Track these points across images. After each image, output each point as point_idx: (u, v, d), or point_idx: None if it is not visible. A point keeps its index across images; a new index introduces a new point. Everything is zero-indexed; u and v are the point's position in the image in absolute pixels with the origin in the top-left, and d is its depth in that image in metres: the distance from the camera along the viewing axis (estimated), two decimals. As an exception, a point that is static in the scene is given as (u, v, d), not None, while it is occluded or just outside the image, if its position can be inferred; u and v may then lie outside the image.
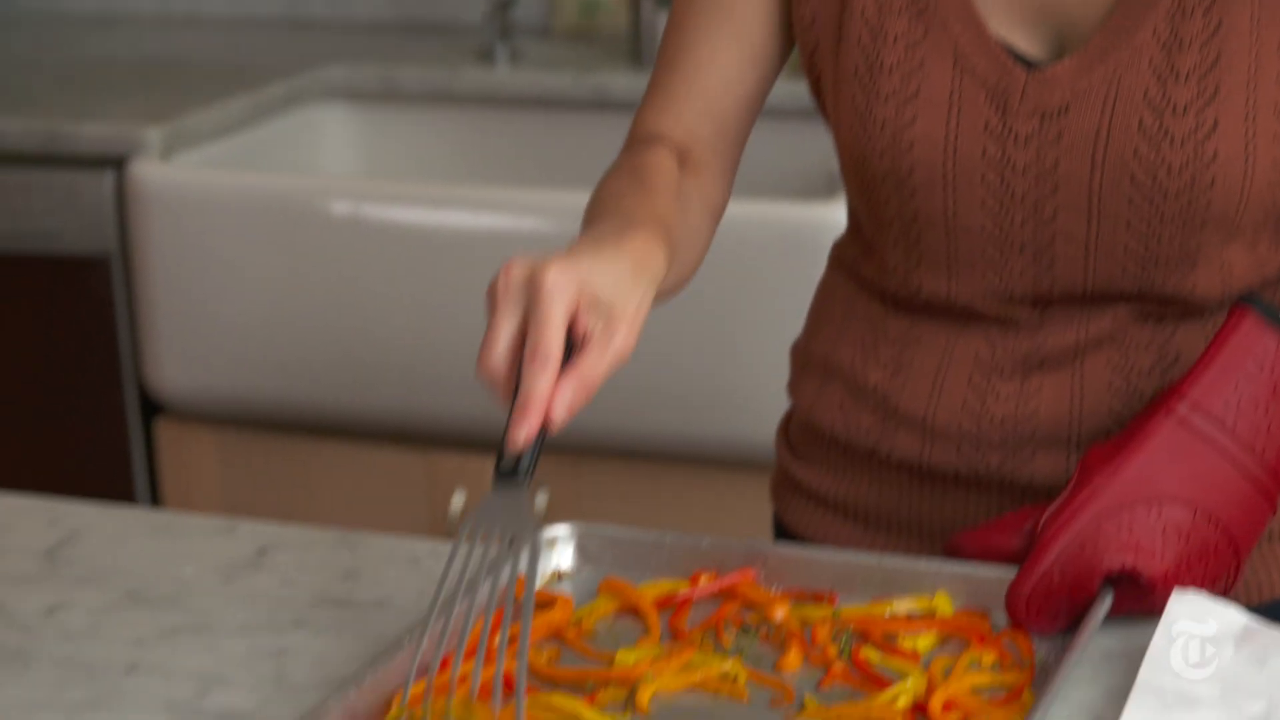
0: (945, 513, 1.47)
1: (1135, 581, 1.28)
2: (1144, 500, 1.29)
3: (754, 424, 2.41)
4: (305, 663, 1.32)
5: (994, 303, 1.42)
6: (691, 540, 1.40)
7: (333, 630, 1.37)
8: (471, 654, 1.23)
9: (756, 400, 2.44)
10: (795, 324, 1.61)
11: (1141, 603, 1.29)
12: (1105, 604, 1.27)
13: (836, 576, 1.35)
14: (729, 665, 1.25)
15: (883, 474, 1.49)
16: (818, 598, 1.34)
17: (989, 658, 1.26)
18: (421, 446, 2.72)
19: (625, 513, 2.59)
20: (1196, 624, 1.23)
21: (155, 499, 2.88)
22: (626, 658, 1.26)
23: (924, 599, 1.33)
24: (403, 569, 1.46)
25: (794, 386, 1.57)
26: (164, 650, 1.35)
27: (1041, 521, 1.31)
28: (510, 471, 1.22)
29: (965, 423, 1.44)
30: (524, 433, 1.20)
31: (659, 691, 1.24)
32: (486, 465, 2.70)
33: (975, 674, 1.23)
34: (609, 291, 1.23)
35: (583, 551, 1.42)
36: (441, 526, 2.67)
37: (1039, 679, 1.24)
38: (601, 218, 1.35)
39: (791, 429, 1.59)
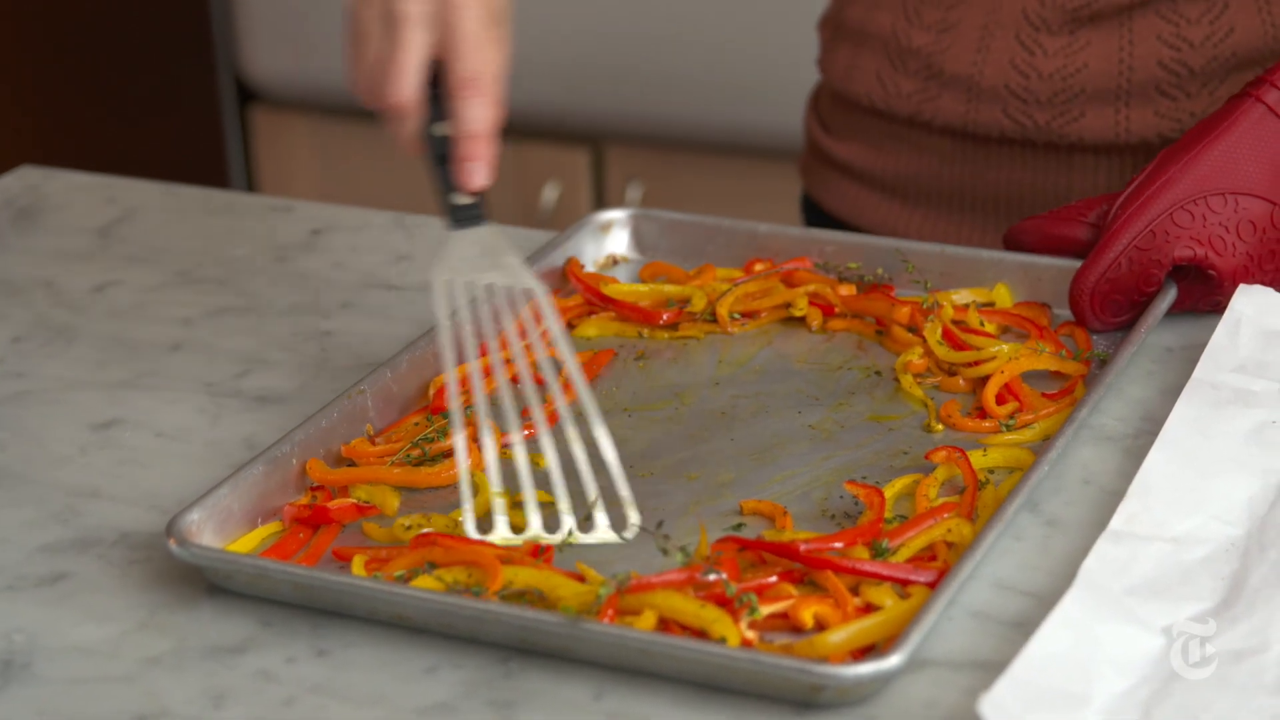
0: (988, 178, 1.44)
1: (1202, 276, 1.23)
2: (1220, 191, 1.23)
3: (780, 108, 2.36)
4: (349, 345, 1.30)
5: None
6: (747, 226, 1.36)
7: (380, 313, 1.34)
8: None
9: (783, 83, 2.40)
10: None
11: (1206, 300, 1.24)
12: (1169, 296, 1.22)
13: (892, 265, 1.31)
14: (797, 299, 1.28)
15: (923, 141, 1.46)
16: (873, 289, 1.30)
17: (1047, 350, 1.21)
18: (513, 139, 2.68)
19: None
20: (1261, 318, 1.18)
21: (251, 187, 2.87)
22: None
23: (983, 290, 1.29)
24: (456, 253, 1.43)
25: (825, 59, 1.54)
26: (209, 330, 1.33)
27: (1113, 209, 1.26)
28: (475, 214, 1.13)
29: (1013, 80, 1.41)
30: (484, 170, 1.12)
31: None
32: (579, 158, 2.67)
33: (1034, 356, 1.19)
34: None
35: (638, 238, 1.39)
36: (532, 219, 2.64)
37: (1095, 375, 1.20)
38: None
39: (821, 103, 1.56)
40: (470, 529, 1.06)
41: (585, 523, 1.06)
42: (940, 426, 1.15)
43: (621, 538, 1.06)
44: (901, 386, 1.20)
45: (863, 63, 1.48)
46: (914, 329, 1.24)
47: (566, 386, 1.11)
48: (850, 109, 1.50)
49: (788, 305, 1.28)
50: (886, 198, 1.49)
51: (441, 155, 1.12)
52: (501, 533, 1.06)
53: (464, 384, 1.15)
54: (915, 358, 1.21)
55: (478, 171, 1.12)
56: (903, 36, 1.45)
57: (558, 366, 1.11)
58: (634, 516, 1.06)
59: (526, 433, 1.11)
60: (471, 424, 1.15)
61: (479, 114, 1.11)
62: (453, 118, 1.11)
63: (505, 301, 1.11)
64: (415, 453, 1.14)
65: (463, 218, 1.13)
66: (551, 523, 1.07)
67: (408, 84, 1.10)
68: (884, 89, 1.46)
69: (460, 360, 1.11)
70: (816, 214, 1.56)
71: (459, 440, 1.08)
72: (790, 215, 1.67)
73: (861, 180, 1.50)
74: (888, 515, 1.06)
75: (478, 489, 1.08)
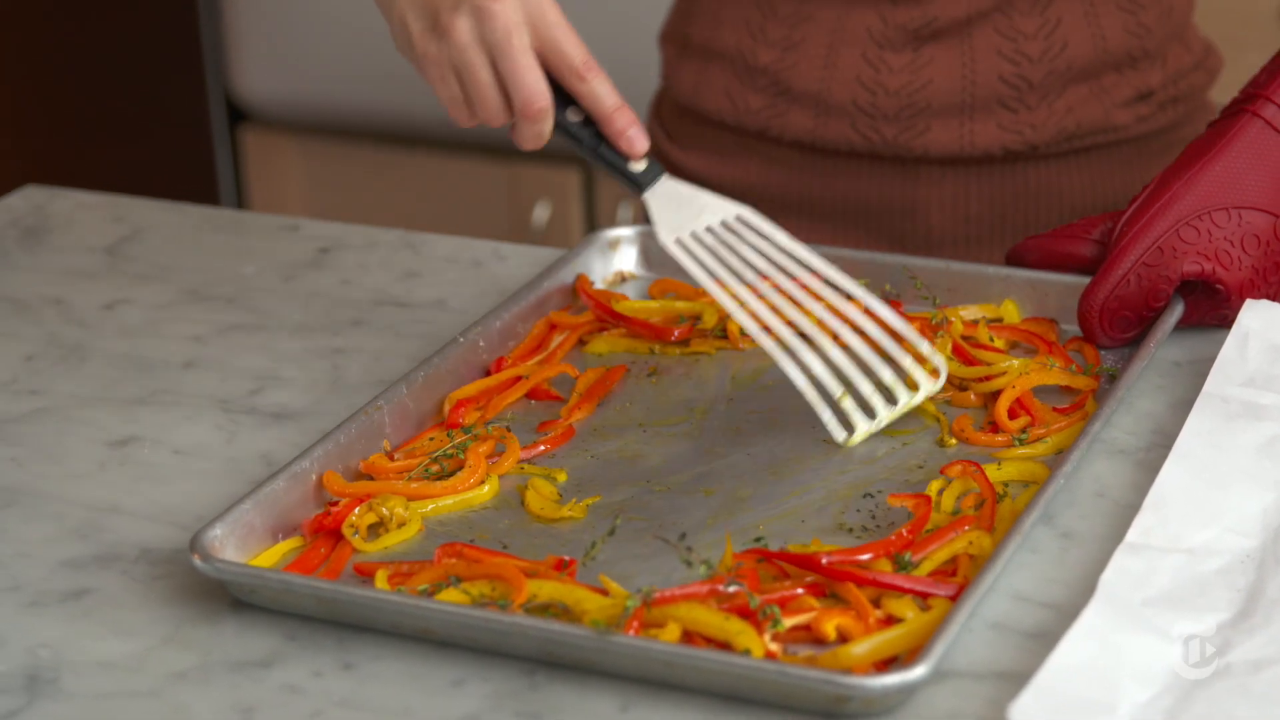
0: (836, 188, 1.49)
1: (1208, 290, 1.24)
2: (1223, 206, 1.25)
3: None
4: (361, 362, 1.31)
5: None
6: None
7: (390, 330, 1.35)
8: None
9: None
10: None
11: (1212, 314, 1.25)
12: (1176, 311, 1.24)
13: (900, 282, 1.32)
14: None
15: (773, 153, 1.50)
16: (882, 304, 1.31)
17: (1057, 365, 1.23)
18: (505, 158, 2.70)
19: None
20: (1268, 332, 1.20)
21: (241, 207, 2.87)
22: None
23: (991, 306, 1.30)
24: (464, 270, 1.44)
25: (671, 74, 1.57)
26: (220, 348, 1.34)
27: (1118, 226, 1.27)
28: (656, 171, 1.20)
29: (860, 96, 1.45)
30: (643, 133, 1.19)
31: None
32: (570, 178, 2.68)
33: (1045, 371, 1.20)
34: None
35: (646, 255, 1.40)
36: (523, 237, 2.65)
37: (1104, 389, 1.21)
38: None
39: (665, 113, 1.59)
40: (837, 432, 1.11)
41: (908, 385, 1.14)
42: (953, 441, 1.16)
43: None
44: (913, 401, 1.21)
45: (710, 79, 1.52)
46: (924, 344, 1.25)
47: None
48: (698, 121, 1.54)
49: (798, 321, 1.29)
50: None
51: (589, 137, 1.20)
52: (863, 425, 1.12)
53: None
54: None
55: (639, 137, 1.19)
56: (749, 54, 1.49)
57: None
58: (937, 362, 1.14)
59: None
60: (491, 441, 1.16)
61: (608, 88, 1.19)
62: (587, 101, 1.19)
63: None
64: (434, 467, 1.15)
65: (648, 178, 1.20)
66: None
67: (543, 86, 1.17)
68: (733, 104, 1.50)
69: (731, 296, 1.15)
70: None
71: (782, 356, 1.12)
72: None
73: (712, 189, 1.53)
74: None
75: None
